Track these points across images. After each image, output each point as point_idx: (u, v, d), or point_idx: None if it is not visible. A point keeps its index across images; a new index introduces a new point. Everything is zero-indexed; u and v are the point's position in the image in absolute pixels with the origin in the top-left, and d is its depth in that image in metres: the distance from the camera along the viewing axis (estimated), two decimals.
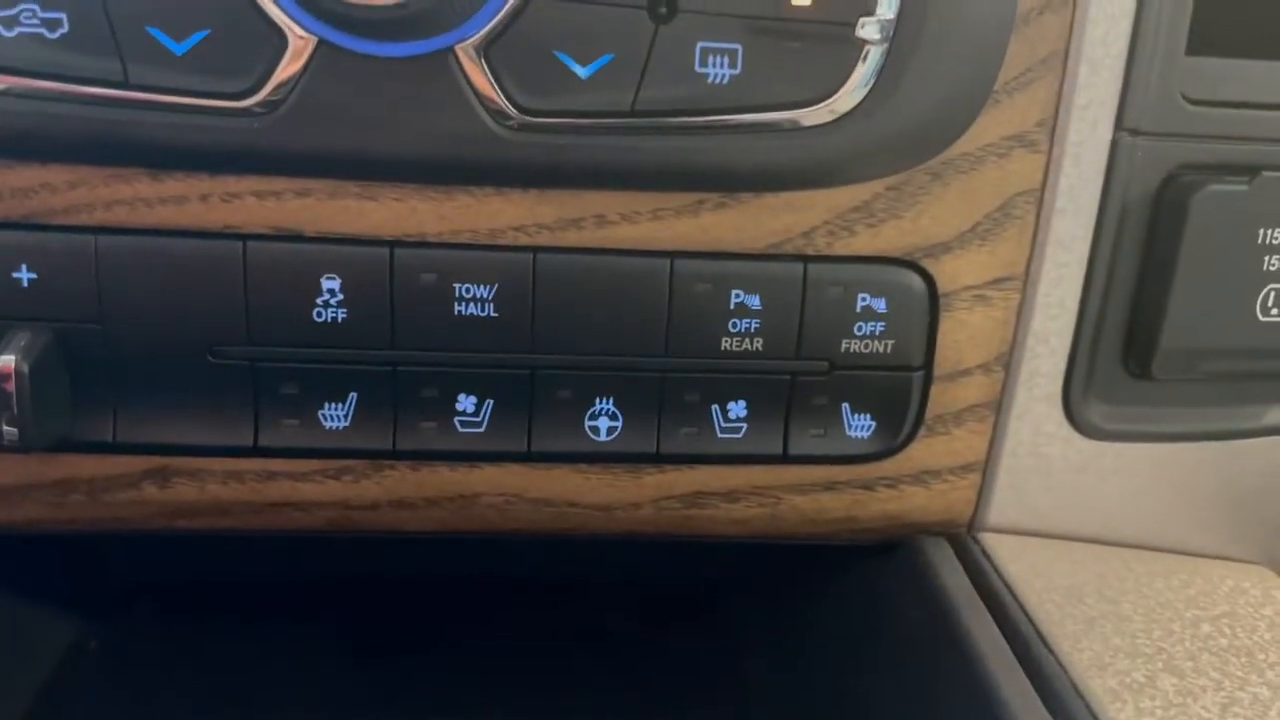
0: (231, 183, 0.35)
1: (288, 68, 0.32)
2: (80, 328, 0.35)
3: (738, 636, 0.48)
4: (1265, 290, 0.39)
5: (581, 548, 0.42)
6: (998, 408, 0.40)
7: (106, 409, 0.36)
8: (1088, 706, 0.32)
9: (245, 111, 0.33)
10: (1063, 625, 0.36)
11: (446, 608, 0.46)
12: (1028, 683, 0.33)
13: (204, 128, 0.33)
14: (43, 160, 0.34)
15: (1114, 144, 0.37)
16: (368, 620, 0.46)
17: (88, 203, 0.35)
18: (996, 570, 0.39)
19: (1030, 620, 0.36)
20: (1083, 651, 0.35)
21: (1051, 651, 0.35)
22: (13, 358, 0.33)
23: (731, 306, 0.37)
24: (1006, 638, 0.35)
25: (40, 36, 0.32)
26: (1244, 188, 0.38)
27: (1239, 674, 0.35)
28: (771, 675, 0.47)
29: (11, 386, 0.33)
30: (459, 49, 0.32)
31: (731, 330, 0.37)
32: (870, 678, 0.42)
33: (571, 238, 0.36)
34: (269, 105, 0.33)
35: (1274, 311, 0.39)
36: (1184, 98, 0.38)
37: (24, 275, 0.35)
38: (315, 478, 0.38)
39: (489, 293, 0.36)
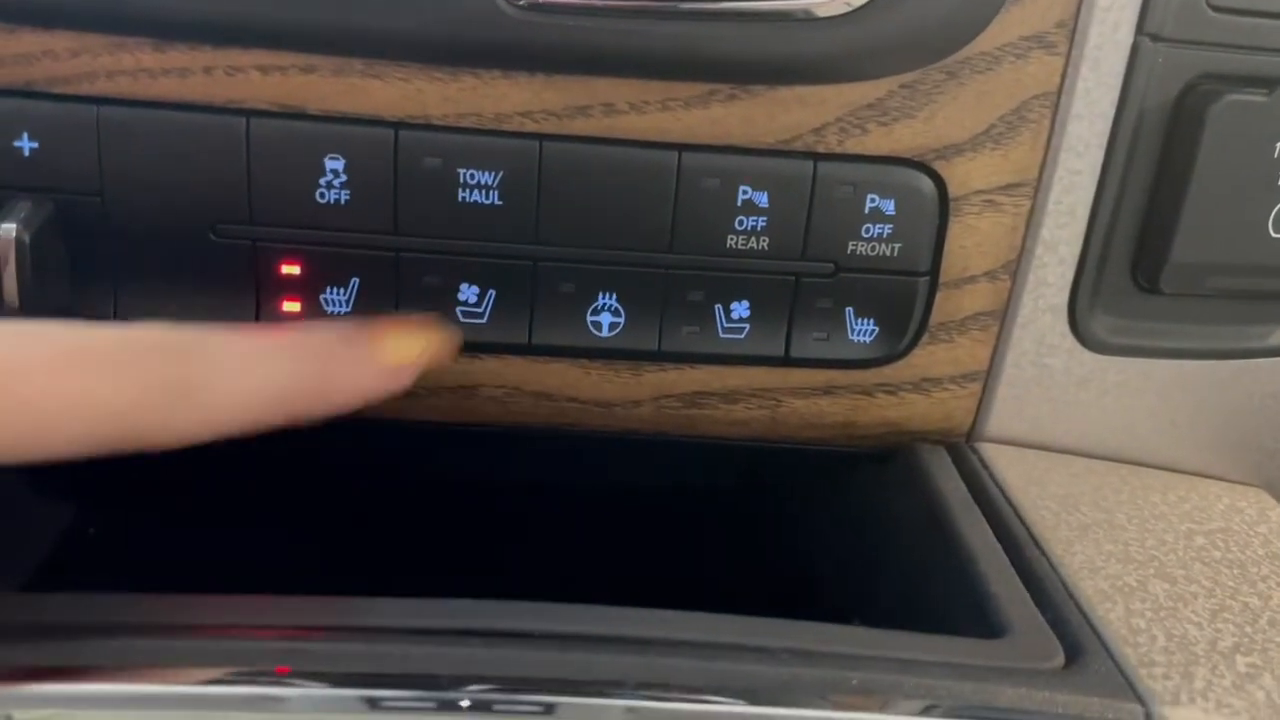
0: (235, 56, 0.34)
1: None
2: (81, 200, 0.35)
3: (732, 537, 0.48)
4: (1279, 206, 0.39)
5: (578, 449, 0.43)
6: (1002, 316, 0.40)
7: (108, 285, 0.36)
8: (1078, 605, 0.32)
9: None
10: (1056, 531, 0.36)
11: (444, 506, 0.47)
12: (1019, 581, 0.33)
13: None
14: (45, 26, 0.34)
15: (1134, 49, 0.37)
16: (370, 510, 0.46)
17: (90, 71, 0.34)
18: (993, 478, 0.39)
19: (1024, 524, 0.36)
20: (1075, 555, 0.35)
21: (1044, 554, 0.35)
22: (13, 226, 0.33)
23: (739, 203, 0.37)
24: (999, 540, 0.35)
25: None
26: (1264, 99, 0.37)
27: (1230, 584, 0.35)
28: (766, 576, 0.47)
29: (12, 256, 0.33)
30: None
31: (738, 228, 0.37)
32: (864, 579, 0.42)
33: (579, 125, 0.36)
34: None
35: None
36: (1208, 4, 0.37)
37: (25, 144, 0.34)
38: None
39: (493, 179, 0.36)
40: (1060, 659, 0.30)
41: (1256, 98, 0.37)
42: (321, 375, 0.30)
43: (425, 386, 0.39)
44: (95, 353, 0.26)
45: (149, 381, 0.26)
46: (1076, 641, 0.31)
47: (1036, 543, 0.35)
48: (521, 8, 0.33)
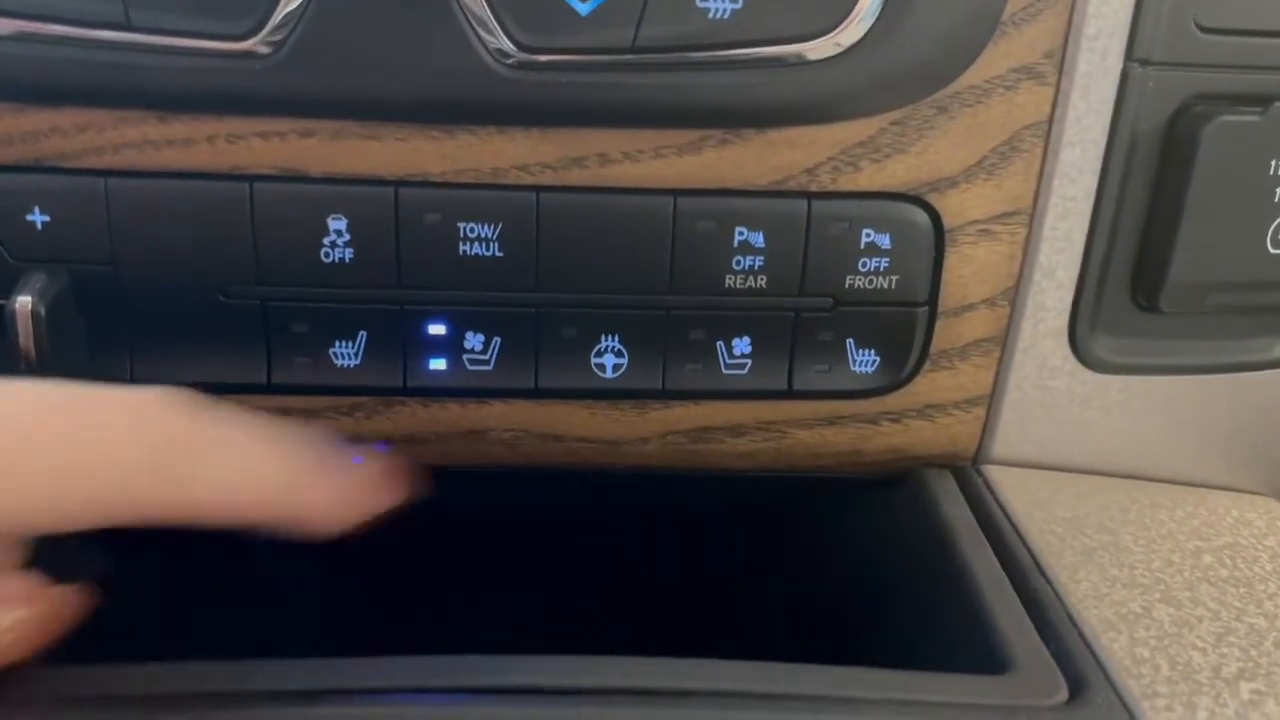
0: (236, 124, 0.35)
1: (287, 4, 0.32)
2: (94, 269, 0.36)
3: (742, 564, 0.49)
4: (1276, 223, 0.39)
5: (587, 480, 0.43)
6: (1003, 342, 0.40)
7: (123, 350, 0.37)
8: (1082, 636, 0.33)
9: (247, 53, 0.33)
10: (1061, 556, 0.37)
11: (460, 542, 0.48)
12: (1023, 611, 0.33)
13: (207, 70, 0.33)
14: (52, 104, 0.34)
15: (1124, 75, 0.37)
16: (393, 557, 0.47)
17: (97, 146, 0.35)
18: (998, 502, 0.39)
19: (1029, 551, 0.37)
20: (1080, 582, 0.35)
21: (1049, 582, 0.35)
22: (29, 299, 0.34)
23: (735, 244, 0.37)
24: (1005, 568, 0.36)
25: None
26: (1257, 118, 0.37)
27: (1236, 604, 0.35)
28: (775, 602, 0.48)
29: (29, 327, 0.34)
30: None
31: (735, 268, 0.38)
32: (871, 606, 0.42)
33: (574, 176, 0.36)
34: (271, 46, 0.33)
35: None
36: (1197, 26, 0.37)
37: (37, 218, 0.35)
38: (328, 414, 0.39)
39: (493, 232, 0.36)
40: (1064, 694, 0.30)
41: (1250, 117, 0.37)
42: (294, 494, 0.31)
43: (435, 432, 0.40)
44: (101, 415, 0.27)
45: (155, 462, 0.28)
46: (1080, 674, 0.31)
47: (1041, 570, 0.36)
48: (511, 66, 0.34)
